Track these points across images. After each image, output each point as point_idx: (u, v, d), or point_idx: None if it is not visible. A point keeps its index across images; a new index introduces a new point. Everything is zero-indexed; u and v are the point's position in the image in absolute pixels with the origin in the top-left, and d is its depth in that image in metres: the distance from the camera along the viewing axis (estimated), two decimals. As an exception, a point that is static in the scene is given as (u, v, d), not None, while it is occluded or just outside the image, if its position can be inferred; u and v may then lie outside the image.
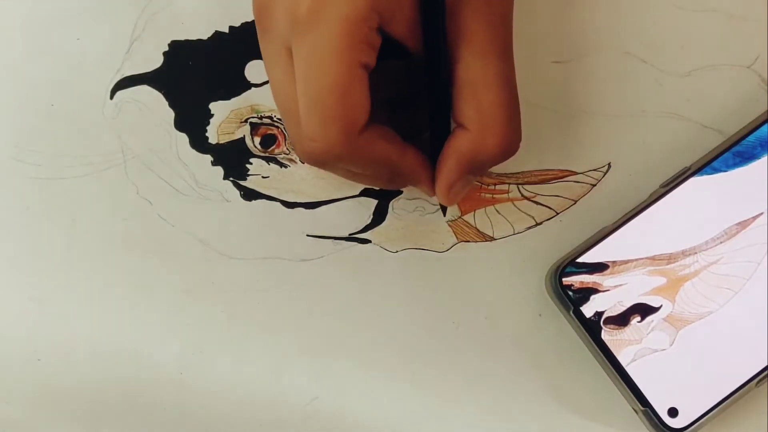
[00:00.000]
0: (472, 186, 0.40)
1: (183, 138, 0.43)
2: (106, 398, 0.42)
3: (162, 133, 0.43)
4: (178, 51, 0.44)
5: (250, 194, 0.43)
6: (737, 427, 0.41)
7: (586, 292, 0.40)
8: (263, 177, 0.43)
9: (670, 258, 0.40)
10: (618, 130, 0.42)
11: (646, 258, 0.40)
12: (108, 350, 0.42)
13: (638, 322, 0.40)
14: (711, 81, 0.43)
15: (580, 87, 0.43)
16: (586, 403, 0.41)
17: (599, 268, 0.40)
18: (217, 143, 0.43)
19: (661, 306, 0.40)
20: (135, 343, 0.42)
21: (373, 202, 0.43)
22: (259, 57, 0.42)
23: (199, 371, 0.42)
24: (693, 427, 0.39)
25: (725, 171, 0.40)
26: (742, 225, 0.40)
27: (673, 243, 0.40)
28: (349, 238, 0.43)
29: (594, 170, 0.42)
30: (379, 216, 0.43)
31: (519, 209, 0.42)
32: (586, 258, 0.40)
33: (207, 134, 0.43)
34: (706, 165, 0.41)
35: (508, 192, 0.43)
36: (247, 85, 0.43)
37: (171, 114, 0.43)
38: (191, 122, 0.43)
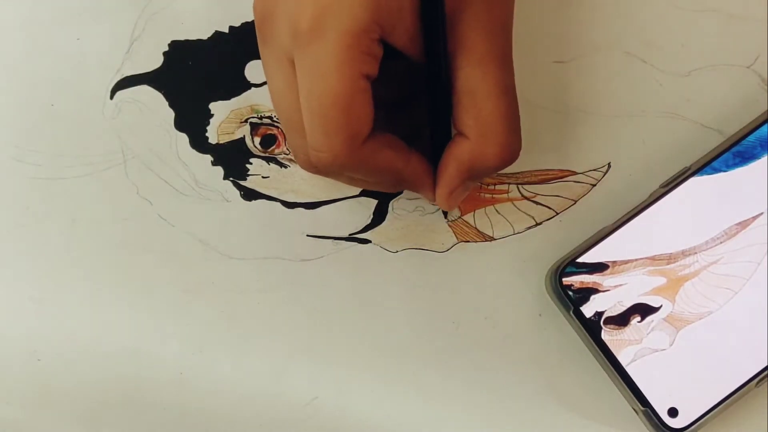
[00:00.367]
0: (473, 188, 0.40)
1: (183, 138, 0.43)
2: (106, 398, 0.42)
3: (162, 133, 0.43)
4: (178, 51, 0.44)
5: (250, 194, 0.43)
6: (737, 427, 0.41)
7: (586, 292, 0.40)
8: (263, 177, 0.43)
9: (670, 258, 0.40)
10: (618, 130, 0.42)
11: (646, 258, 0.40)
12: (108, 350, 0.42)
13: (638, 322, 0.40)
14: (711, 81, 0.43)
15: (580, 87, 0.43)
16: (586, 403, 0.41)
17: (599, 268, 0.40)
18: (217, 143, 0.43)
19: (661, 306, 0.40)
20: (135, 343, 0.42)
21: (373, 202, 0.43)
22: (259, 57, 0.42)
23: (199, 371, 0.42)
24: (693, 427, 0.39)
25: (725, 171, 0.40)
26: (742, 225, 0.40)
27: (673, 243, 0.40)
28: (349, 238, 0.43)
29: (594, 170, 0.42)
30: (379, 216, 0.43)
31: (519, 209, 0.42)
32: (586, 258, 0.40)
33: (207, 134, 0.43)
34: (706, 165, 0.41)
35: (508, 192, 0.43)
36: (247, 85, 0.43)
37: (171, 114, 0.43)
38: (191, 122, 0.43)
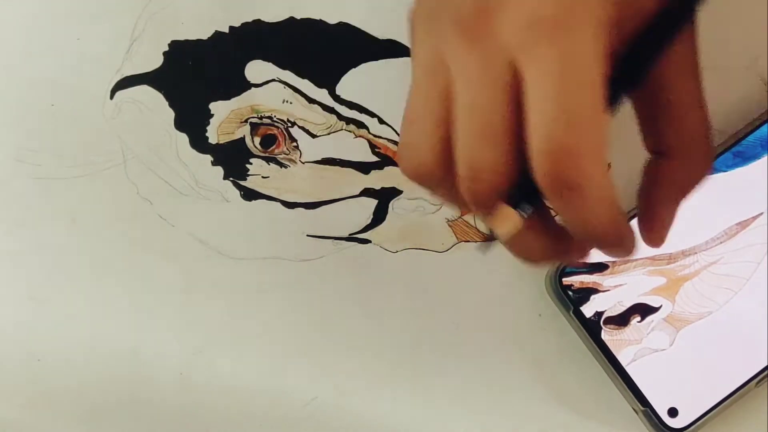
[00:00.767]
0: None
1: (183, 138, 0.43)
2: (106, 398, 0.42)
3: (162, 133, 0.43)
4: (178, 51, 0.44)
5: (250, 194, 0.43)
6: (737, 427, 0.41)
7: (586, 292, 0.40)
8: (263, 177, 0.43)
9: (670, 258, 0.40)
10: (618, 130, 0.42)
11: (646, 258, 0.40)
12: (108, 350, 0.42)
13: (638, 322, 0.40)
14: (711, 81, 0.42)
15: (580, 87, 0.42)
16: (586, 403, 0.41)
17: (599, 268, 0.40)
18: (217, 143, 0.43)
19: (661, 306, 0.40)
20: (135, 343, 0.42)
21: (373, 202, 0.43)
22: (258, 57, 0.42)
23: (199, 371, 0.42)
24: (693, 427, 0.39)
25: (725, 171, 0.40)
26: (742, 225, 0.40)
27: (673, 243, 0.40)
28: (349, 238, 0.43)
29: (594, 170, 0.42)
30: (379, 216, 0.43)
31: (519, 209, 0.42)
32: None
33: (207, 134, 0.43)
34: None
35: (508, 192, 0.42)
36: (247, 85, 0.43)
37: (171, 114, 0.43)
38: (191, 122, 0.43)
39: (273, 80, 0.43)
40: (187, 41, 0.43)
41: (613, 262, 0.40)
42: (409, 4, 0.32)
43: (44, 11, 0.44)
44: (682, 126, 0.33)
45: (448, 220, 0.43)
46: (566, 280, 0.40)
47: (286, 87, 0.43)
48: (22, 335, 0.43)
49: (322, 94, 0.43)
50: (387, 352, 0.42)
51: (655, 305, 0.40)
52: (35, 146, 0.44)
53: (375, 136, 0.43)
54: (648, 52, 0.31)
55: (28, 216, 0.43)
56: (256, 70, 0.43)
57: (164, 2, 0.44)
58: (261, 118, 0.43)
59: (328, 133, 0.43)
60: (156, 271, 0.43)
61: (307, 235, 0.43)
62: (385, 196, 0.43)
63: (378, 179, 0.43)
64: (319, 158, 0.43)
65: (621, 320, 0.40)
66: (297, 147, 0.43)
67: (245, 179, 0.43)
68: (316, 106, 0.43)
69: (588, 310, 0.40)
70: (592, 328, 0.40)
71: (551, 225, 0.32)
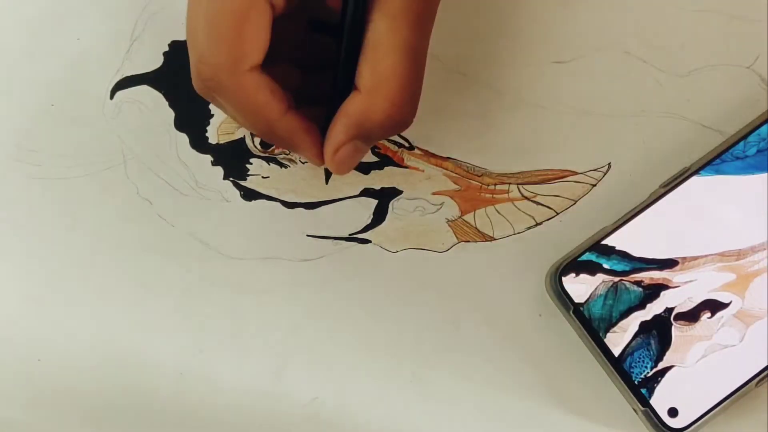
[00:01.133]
0: (364, 154, 0.38)
1: (183, 138, 0.43)
2: (106, 398, 0.42)
3: (162, 133, 0.43)
4: (178, 51, 0.44)
5: (250, 194, 0.43)
6: (737, 427, 0.41)
7: (656, 288, 0.40)
8: (263, 177, 0.43)
9: (740, 254, 0.40)
10: (618, 130, 0.43)
11: (716, 254, 0.40)
12: (108, 350, 0.42)
13: (708, 318, 0.40)
14: (711, 81, 0.43)
15: (580, 87, 0.43)
16: (586, 403, 0.41)
17: (669, 264, 0.40)
18: (217, 143, 0.43)
19: (731, 302, 0.40)
20: (135, 343, 0.42)
21: (373, 202, 0.43)
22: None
23: (199, 371, 0.42)
24: (693, 427, 0.39)
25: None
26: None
27: (741, 239, 0.40)
28: (349, 238, 0.43)
29: (594, 170, 0.42)
30: (379, 216, 0.43)
31: (519, 209, 0.42)
32: (586, 258, 0.40)
33: (207, 134, 0.43)
34: (706, 165, 0.41)
35: (508, 192, 0.43)
36: (247, 85, 0.43)
37: (171, 114, 0.43)
38: (191, 122, 0.43)
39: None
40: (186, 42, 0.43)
41: (683, 258, 0.40)
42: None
43: (44, 11, 0.44)
44: (374, 66, 0.34)
45: (448, 220, 0.43)
46: (566, 280, 0.40)
47: (286, 87, 0.43)
48: (22, 335, 0.43)
49: (322, 94, 0.43)
50: (387, 352, 0.42)
51: (725, 301, 0.40)
52: (35, 146, 0.44)
53: (375, 136, 0.43)
54: None
55: (28, 216, 0.43)
56: (256, 70, 0.43)
57: (164, 2, 0.44)
58: (261, 118, 0.43)
59: (328, 133, 0.43)
60: (156, 271, 0.43)
61: (307, 235, 0.43)
62: (385, 196, 0.43)
63: (378, 179, 0.43)
64: (319, 158, 0.43)
65: (691, 316, 0.40)
66: (297, 147, 0.43)
67: (245, 179, 0.43)
68: (316, 106, 0.43)
69: (658, 306, 0.40)
70: (592, 328, 0.40)
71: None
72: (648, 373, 0.40)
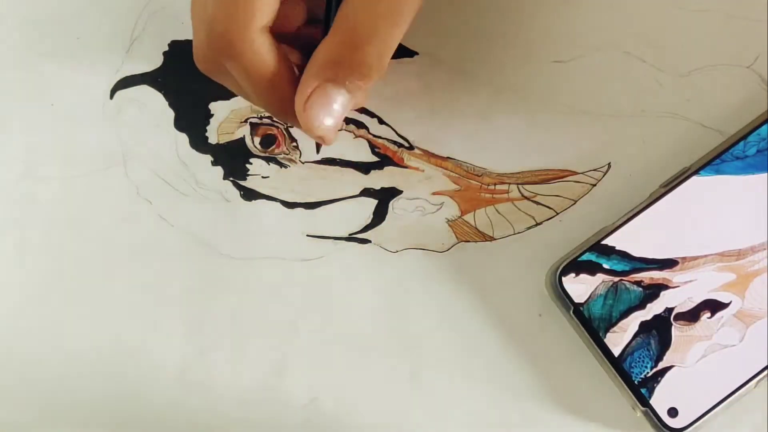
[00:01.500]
0: (344, 114, 0.36)
1: (183, 138, 0.43)
2: (106, 398, 0.42)
3: (162, 133, 0.43)
4: (178, 51, 0.44)
5: (250, 194, 0.43)
6: (737, 427, 0.41)
7: (656, 288, 0.40)
8: (263, 177, 0.43)
9: (740, 254, 0.40)
10: (618, 130, 0.42)
11: (716, 254, 0.40)
12: (108, 350, 0.42)
13: (708, 318, 0.40)
14: (711, 81, 0.43)
15: (580, 87, 0.43)
16: (586, 403, 0.41)
17: (669, 264, 0.40)
18: (217, 143, 0.43)
19: (731, 302, 0.40)
20: (135, 343, 0.42)
21: (373, 202, 0.43)
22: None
23: (199, 371, 0.42)
24: (693, 427, 0.39)
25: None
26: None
27: (742, 239, 0.40)
28: (349, 238, 0.43)
29: (594, 170, 0.42)
30: (379, 216, 0.43)
31: (519, 209, 0.42)
32: (586, 258, 0.40)
33: (207, 134, 0.43)
34: (706, 165, 0.41)
35: (508, 192, 0.43)
36: (247, 85, 0.43)
37: (171, 114, 0.43)
38: (191, 122, 0.43)
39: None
40: (187, 41, 0.43)
41: (683, 258, 0.40)
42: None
43: (44, 11, 0.44)
44: (352, 10, 0.33)
45: (448, 220, 0.43)
46: (566, 280, 0.40)
47: (286, 87, 0.43)
48: (22, 335, 0.43)
49: (322, 94, 0.43)
50: (387, 352, 0.42)
51: (725, 301, 0.40)
52: (35, 146, 0.43)
53: (375, 136, 0.43)
54: None
55: (28, 216, 0.43)
56: (256, 70, 0.43)
57: (164, 2, 0.44)
58: (261, 117, 0.43)
59: (328, 133, 0.43)
60: (156, 271, 0.43)
61: (307, 235, 0.43)
62: (385, 196, 0.43)
63: (378, 179, 0.43)
64: (319, 158, 0.43)
65: (691, 316, 0.40)
66: (297, 147, 0.43)
67: (245, 179, 0.43)
68: (316, 106, 0.43)
69: (658, 306, 0.40)
70: (592, 328, 0.40)
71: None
72: (648, 373, 0.40)
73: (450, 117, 0.43)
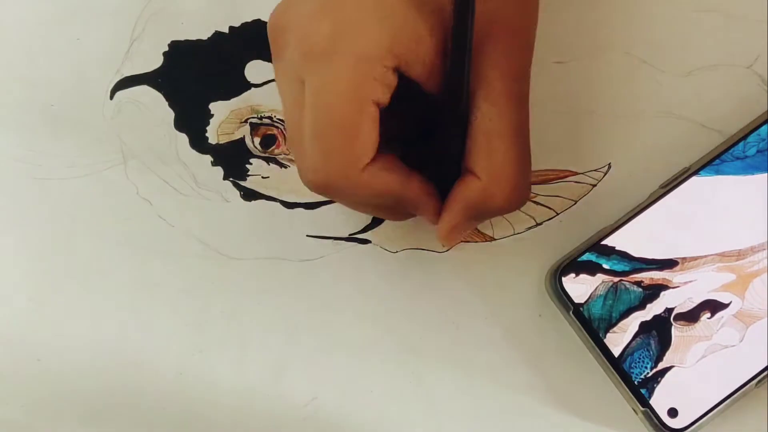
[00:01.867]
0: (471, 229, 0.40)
1: (183, 138, 0.43)
2: (105, 398, 0.42)
3: (162, 133, 0.43)
4: (178, 51, 0.44)
5: (250, 194, 0.43)
6: (737, 427, 0.41)
7: (656, 289, 0.40)
8: (263, 177, 0.43)
9: (739, 254, 0.40)
10: (618, 130, 0.42)
11: (716, 255, 0.40)
12: (108, 350, 0.42)
13: (708, 318, 0.40)
14: (711, 81, 0.43)
15: (580, 87, 0.43)
16: (586, 403, 0.41)
17: (669, 264, 0.40)
18: (217, 143, 0.43)
19: (731, 302, 0.40)
20: (135, 343, 0.42)
21: (373, 202, 0.43)
22: (259, 57, 0.42)
23: (199, 371, 0.42)
24: (693, 427, 0.39)
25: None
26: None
27: (741, 239, 0.40)
28: (349, 238, 0.43)
29: (594, 170, 0.42)
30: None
31: (519, 209, 0.42)
32: (586, 258, 0.40)
33: (207, 134, 0.43)
34: (706, 165, 0.41)
35: (508, 192, 0.42)
36: (247, 85, 0.43)
37: (171, 114, 0.43)
38: (191, 122, 0.43)
39: (273, 80, 0.43)
40: (187, 41, 0.43)
41: (683, 258, 0.40)
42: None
43: (44, 11, 0.44)
44: (490, 153, 0.35)
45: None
46: (566, 280, 0.40)
47: (286, 87, 0.43)
48: (22, 335, 0.43)
49: (322, 94, 0.43)
50: (387, 352, 0.42)
51: (725, 301, 0.40)
52: (35, 146, 0.44)
53: (375, 136, 0.43)
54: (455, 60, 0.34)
55: (28, 216, 0.43)
56: (256, 70, 0.43)
57: (164, 2, 0.44)
58: (261, 118, 0.43)
59: (328, 133, 0.43)
60: (156, 271, 0.43)
61: (307, 235, 0.43)
62: (385, 196, 0.43)
63: (378, 179, 0.43)
64: (319, 158, 0.43)
65: (691, 317, 0.40)
66: (297, 147, 0.43)
67: (245, 179, 0.43)
68: (316, 106, 0.43)
69: (658, 306, 0.40)
70: (592, 328, 0.40)
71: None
72: (648, 373, 0.40)
73: (450, 117, 0.43)
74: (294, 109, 0.36)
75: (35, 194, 0.43)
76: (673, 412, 0.40)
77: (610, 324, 0.40)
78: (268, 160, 0.43)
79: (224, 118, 0.43)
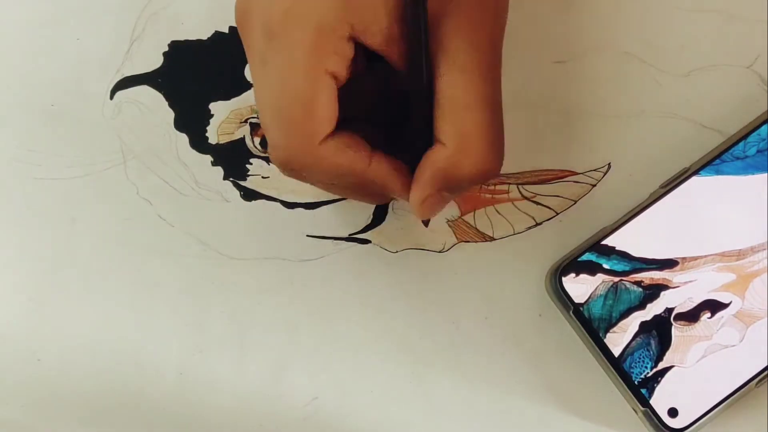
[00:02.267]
0: (449, 202, 0.39)
1: (183, 138, 0.43)
2: (105, 398, 0.42)
3: (162, 133, 0.43)
4: (178, 51, 0.44)
5: (250, 194, 0.43)
6: (737, 427, 0.41)
7: (657, 289, 0.40)
8: (263, 177, 0.43)
9: (740, 254, 0.40)
10: (618, 130, 0.42)
11: (716, 254, 0.40)
12: (108, 350, 0.42)
13: (708, 318, 0.40)
14: (711, 81, 0.43)
15: (580, 87, 0.43)
16: (586, 403, 0.41)
17: (669, 264, 0.40)
18: (217, 143, 0.43)
19: (731, 302, 0.40)
20: (135, 343, 0.42)
21: (373, 202, 0.43)
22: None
23: (199, 371, 0.42)
24: (693, 427, 0.39)
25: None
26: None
27: (742, 239, 0.40)
28: (349, 238, 0.43)
29: (594, 170, 0.42)
30: (379, 216, 0.43)
31: (519, 209, 0.42)
32: (586, 258, 0.40)
33: (207, 134, 0.43)
34: (706, 165, 0.41)
35: (508, 192, 0.43)
36: (247, 85, 0.43)
37: (171, 114, 0.43)
38: (191, 122, 0.43)
39: (273, 80, 0.43)
40: (187, 41, 0.44)
41: (683, 258, 0.40)
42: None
43: (44, 11, 0.44)
44: (457, 123, 0.35)
45: (448, 220, 0.43)
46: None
47: (286, 87, 0.43)
48: (22, 335, 0.43)
49: (322, 94, 0.43)
50: (387, 352, 0.42)
51: (725, 301, 0.40)
52: (35, 146, 0.44)
53: (375, 136, 0.43)
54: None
55: (28, 216, 0.43)
56: (256, 70, 0.43)
57: (164, 2, 0.44)
58: (261, 118, 0.43)
59: (328, 133, 0.43)
60: (156, 271, 0.43)
61: (307, 235, 0.43)
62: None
63: (378, 179, 0.43)
64: (319, 158, 0.43)
65: (691, 316, 0.40)
66: (297, 147, 0.43)
67: (245, 179, 0.43)
68: (316, 106, 0.43)
69: (658, 306, 0.40)
70: (592, 328, 0.40)
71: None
72: (648, 373, 0.40)
73: (450, 117, 0.43)
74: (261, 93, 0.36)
75: (35, 194, 0.43)
76: (673, 412, 0.40)
77: (610, 324, 0.40)
78: (268, 160, 0.43)
79: (224, 118, 0.43)
